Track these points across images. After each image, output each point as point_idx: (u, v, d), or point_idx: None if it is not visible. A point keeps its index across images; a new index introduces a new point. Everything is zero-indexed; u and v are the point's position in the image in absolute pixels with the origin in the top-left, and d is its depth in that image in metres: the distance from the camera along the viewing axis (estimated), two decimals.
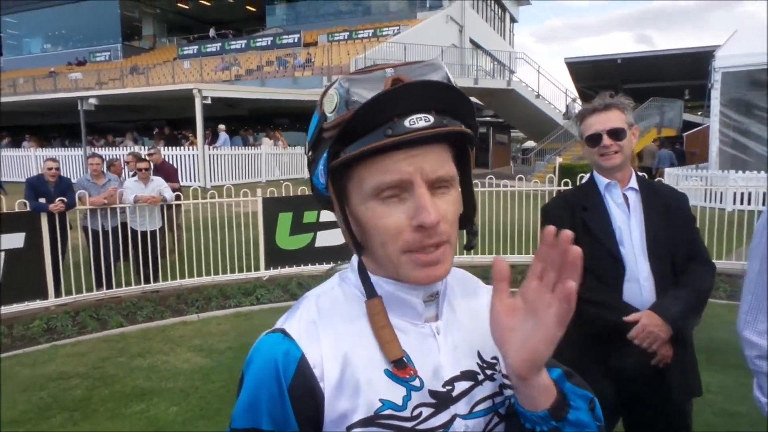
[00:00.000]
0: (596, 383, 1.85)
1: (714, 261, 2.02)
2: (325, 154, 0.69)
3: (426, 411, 0.70)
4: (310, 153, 0.73)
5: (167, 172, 7.91)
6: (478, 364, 0.77)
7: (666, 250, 1.84)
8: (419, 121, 0.64)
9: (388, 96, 0.63)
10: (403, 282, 0.72)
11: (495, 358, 0.79)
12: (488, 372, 0.77)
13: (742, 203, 9.12)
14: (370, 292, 0.72)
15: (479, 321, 0.79)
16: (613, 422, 1.94)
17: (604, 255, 1.85)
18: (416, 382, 0.71)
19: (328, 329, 0.71)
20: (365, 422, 0.68)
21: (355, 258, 0.76)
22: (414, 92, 0.64)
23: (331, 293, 0.76)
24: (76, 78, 26.04)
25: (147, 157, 7.47)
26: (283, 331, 0.71)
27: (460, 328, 0.78)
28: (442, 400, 0.72)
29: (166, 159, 15.46)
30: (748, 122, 12.84)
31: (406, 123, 0.64)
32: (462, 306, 0.81)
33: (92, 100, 18.34)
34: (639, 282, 1.83)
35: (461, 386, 0.74)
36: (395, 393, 0.69)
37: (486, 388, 0.76)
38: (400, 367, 0.70)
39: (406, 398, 0.70)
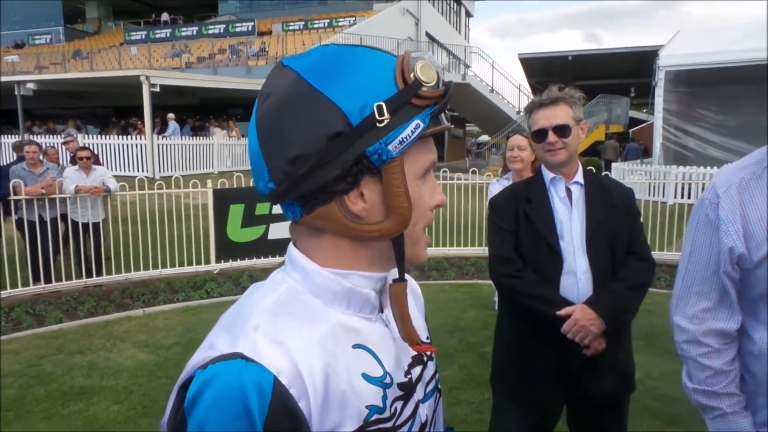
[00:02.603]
0: (544, 383, 1.85)
1: (656, 252, 2.06)
2: (414, 122, 0.64)
3: (399, 405, 0.69)
4: (387, 116, 0.63)
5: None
6: None
7: (606, 244, 1.84)
8: None
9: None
10: (376, 269, 0.70)
11: (428, 337, 0.84)
12: (427, 352, 0.79)
13: (682, 197, 9.54)
14: (401, 272, 0.69)
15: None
16: (558, 413, 1.97)
17: (543, 248, 1.86)
18: (387, 379, 0.68)
19: (295, 339, 0.62)
20: None
21: (298, 253, 0.69)
22: None
23: (286, 297, 0.67)
24: (13, 61, 24.58)
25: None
26: (241, 356, 0.57)
27: None
28: (407, 390, 0.72)
29: (114, 148, 14.90)
30: (689, 119, 13.43)
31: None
32: None
33: (30, 85, 17.37)
34: (576, 276, 1.83)
35: (416, 372, 0.75)
36: (376, 395, 0.66)
37: (430, 369, 0.78)
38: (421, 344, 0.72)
39: (384, 398, 0.67)
